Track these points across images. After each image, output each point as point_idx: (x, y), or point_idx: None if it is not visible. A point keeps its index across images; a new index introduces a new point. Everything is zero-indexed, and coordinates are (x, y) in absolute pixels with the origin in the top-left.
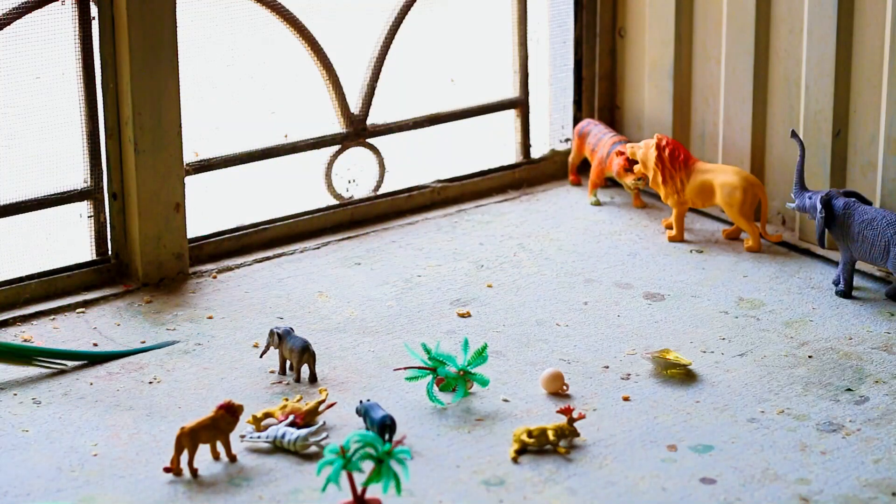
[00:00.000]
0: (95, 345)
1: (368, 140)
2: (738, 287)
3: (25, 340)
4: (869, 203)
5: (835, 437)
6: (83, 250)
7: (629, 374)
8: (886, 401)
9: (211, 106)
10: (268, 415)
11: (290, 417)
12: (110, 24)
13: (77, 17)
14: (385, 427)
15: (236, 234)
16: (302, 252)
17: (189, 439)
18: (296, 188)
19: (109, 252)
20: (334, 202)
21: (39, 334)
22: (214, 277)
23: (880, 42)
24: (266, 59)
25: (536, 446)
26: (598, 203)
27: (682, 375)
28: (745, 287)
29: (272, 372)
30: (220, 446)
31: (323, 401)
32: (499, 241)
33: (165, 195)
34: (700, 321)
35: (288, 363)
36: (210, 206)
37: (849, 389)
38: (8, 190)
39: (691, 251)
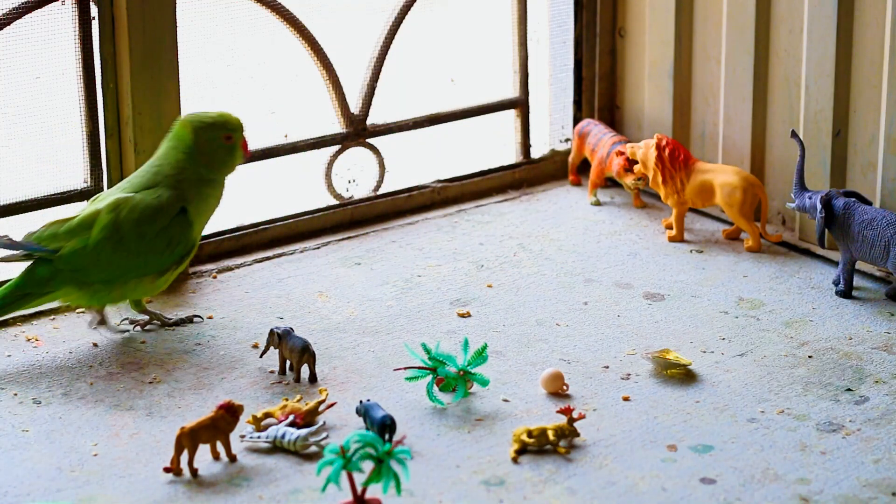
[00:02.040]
0: (96, 345)
1: (368, 140)
2: (738, 287)
3: (28, 340)
4: (869, 203)
5: (835, 437)
6: None
7: (629, 374)
8: (886, 401)
9: (211, 106)
10: (268, 415)
11: (290, 417)
12: (110, 24)
13: (77, 17)
14: (385, 427)
15: (236, 234)
16: (302, 252)
17: (189, 439)
18: (296, 188)
19: None
20: (334, 202)
21: (40, 334)
22: (214, 277)
23: (880, 42)
24: (266, 59)
25: (536, 446)
26: (598, 203)
27: (682, 375)
28: (745, 287)
29: (272, 372)
30: (220, 446)
31: (323, 401)
32: (499, 241)
33: None
34: (700, 321)
35: (288, 363)
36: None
37: (849, 389)
38: (8, 190)
39: (691, 251)
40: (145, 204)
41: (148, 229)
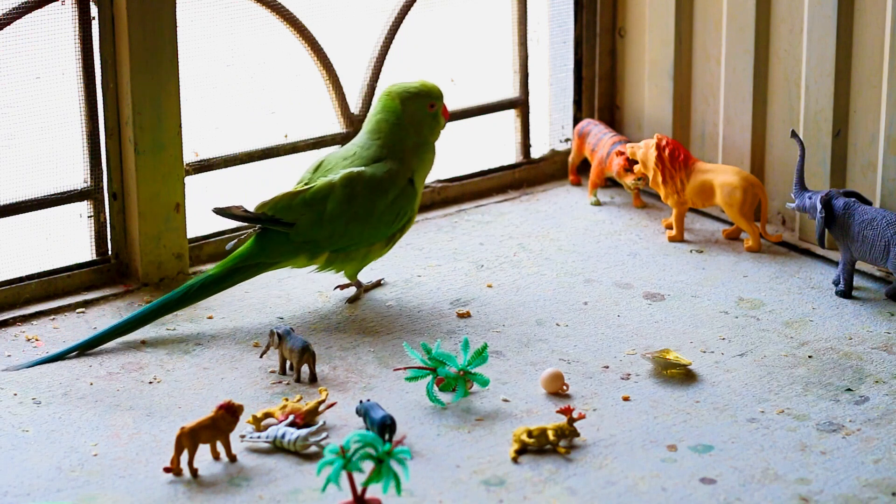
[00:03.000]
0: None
1: None
2: (738, 287)
3: (28, 340)
4: (869, 203)
5: (835, 437)
6: (83, 250)
7: (629, 374)
8: (886, 401)
9: (211, 106)
10: (268, 415)
11: (290, 417)
12: (110, 24)
13: (77, 17)
14: (385, 427)
15: (236, 234)
16: None
17: (189, 439)
18: None
19: (109, 252)
20: None
21: (39, 334)
22: None
23: (880, 42)
24: (266, 59)
25: (536, 446)
26: (598, 203)
27: (682, 375)
28: (745, 287)
29: (272, 372)
30: (220, 446)
31: (323, 401)
32: (499, 241)
33: (165, 195)
34: (700, 321)
35: (288, 363)
36: (210, 207)
37: (849, 389)
38: (8, 190)
39: (691, 251)
40: (378, 178)
41: (380, 202)
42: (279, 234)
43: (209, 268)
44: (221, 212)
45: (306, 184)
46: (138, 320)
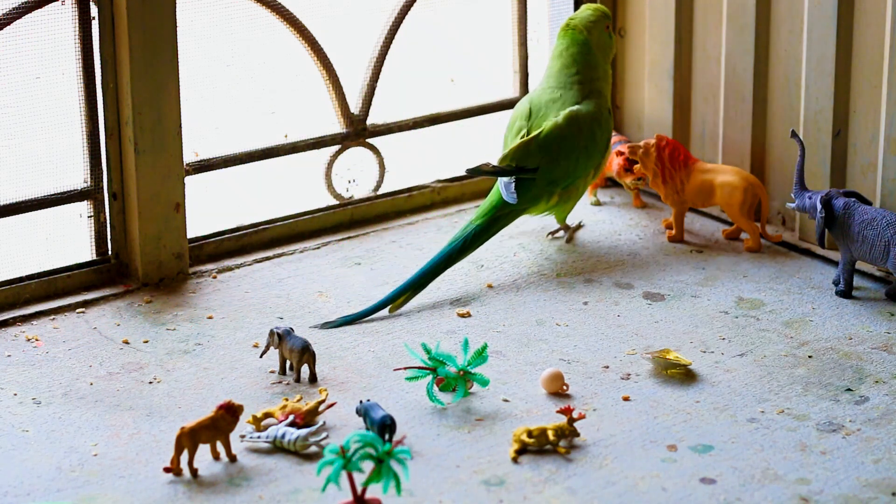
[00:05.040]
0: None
1: (368, 140)
2: (738, 287)
3: (28, 340)
4: (869, 203)
5: (835, 437)
6: (83, 250)
7: (629, 374)
8: (886, 401)
9: (211, 106)
10: (268, 415)
11: (290, 417)
12: (110, 24)
13: (77, 17)
14: (385, 427)
15: (236, 234)
16: (302, 252)
17: (189, 439)
18: (296, 188)
19: (109, 252)
20: (334, 202)
21: (39, 334)
22: (214, 277)
23: (880, 42)
24: (266, 59)
25: (536, 446)
26: (598, 203)
27: (682, 375)
28: (745, 287)
29: (272, 372)
30: (220, 446)
31: (323, 401)
32: (499, 241)
33: (165, 195)
34: (700, 321)
35: (288, 363)
36: (210, 206)
37: (849, 389)
38: (8, 190)
39: (691, 251)
40: (592, 112)
41: (598, 134)
42: (524, 181)
43: (472, 218)
44: (474, 171)
45: (528, 130)
46: (426, 275)
